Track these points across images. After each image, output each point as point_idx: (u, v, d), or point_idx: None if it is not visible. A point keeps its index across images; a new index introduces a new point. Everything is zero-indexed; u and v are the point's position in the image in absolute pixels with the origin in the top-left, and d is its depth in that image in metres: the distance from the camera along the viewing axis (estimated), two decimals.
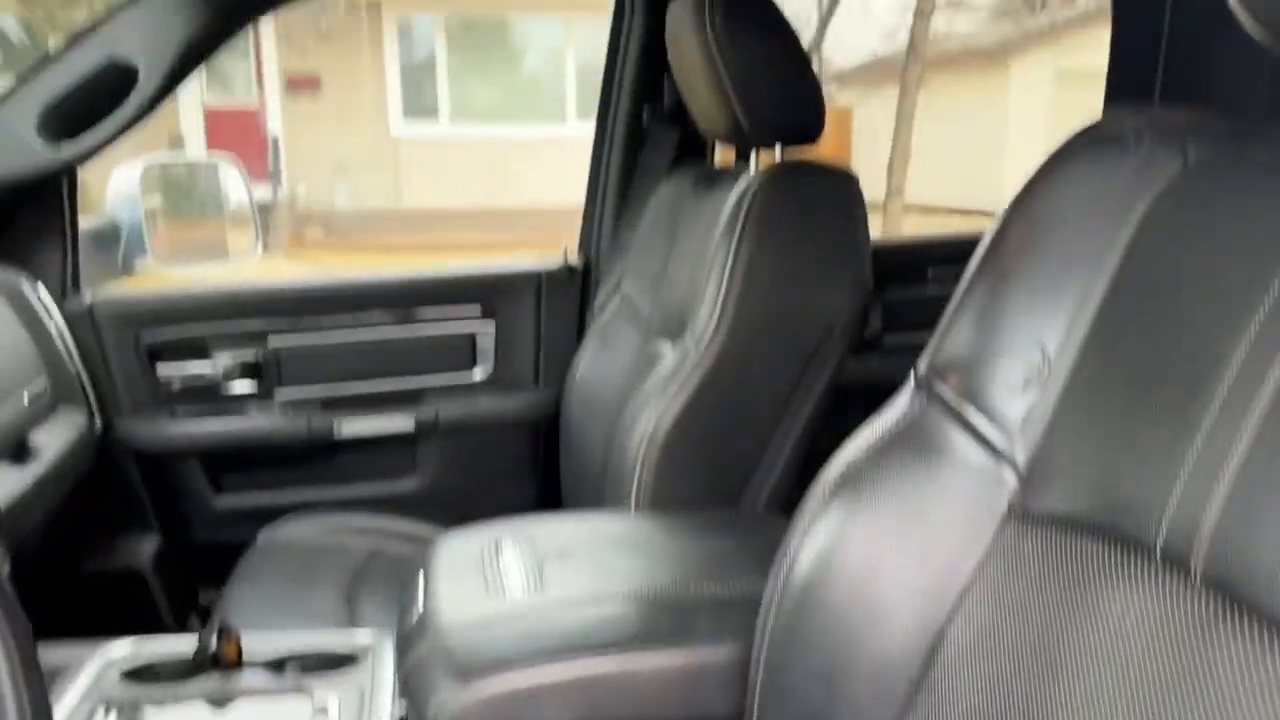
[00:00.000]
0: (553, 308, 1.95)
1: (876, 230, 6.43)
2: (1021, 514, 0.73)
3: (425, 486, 1.90)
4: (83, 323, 1.73)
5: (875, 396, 1.59)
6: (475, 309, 1.95)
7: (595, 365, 1.76)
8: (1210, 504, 0.58)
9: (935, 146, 10.41)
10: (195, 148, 11.70)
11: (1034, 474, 0.73)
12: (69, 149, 1.59)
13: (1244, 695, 0.53)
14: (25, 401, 1.48)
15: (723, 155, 1.83)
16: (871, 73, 12.85)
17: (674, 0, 1.52)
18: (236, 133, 11.96)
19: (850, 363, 1.42)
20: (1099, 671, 0.63)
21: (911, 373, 0.86)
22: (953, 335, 0.82)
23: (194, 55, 1.60)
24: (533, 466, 1.96)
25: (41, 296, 1.66)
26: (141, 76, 1.58)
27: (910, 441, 0.83)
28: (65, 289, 1.73)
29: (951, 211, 11.99)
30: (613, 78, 1.89)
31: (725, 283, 1.31)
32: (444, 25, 11.81)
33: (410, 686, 0.93)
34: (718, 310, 1.31)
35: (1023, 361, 0.76)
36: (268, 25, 11.62)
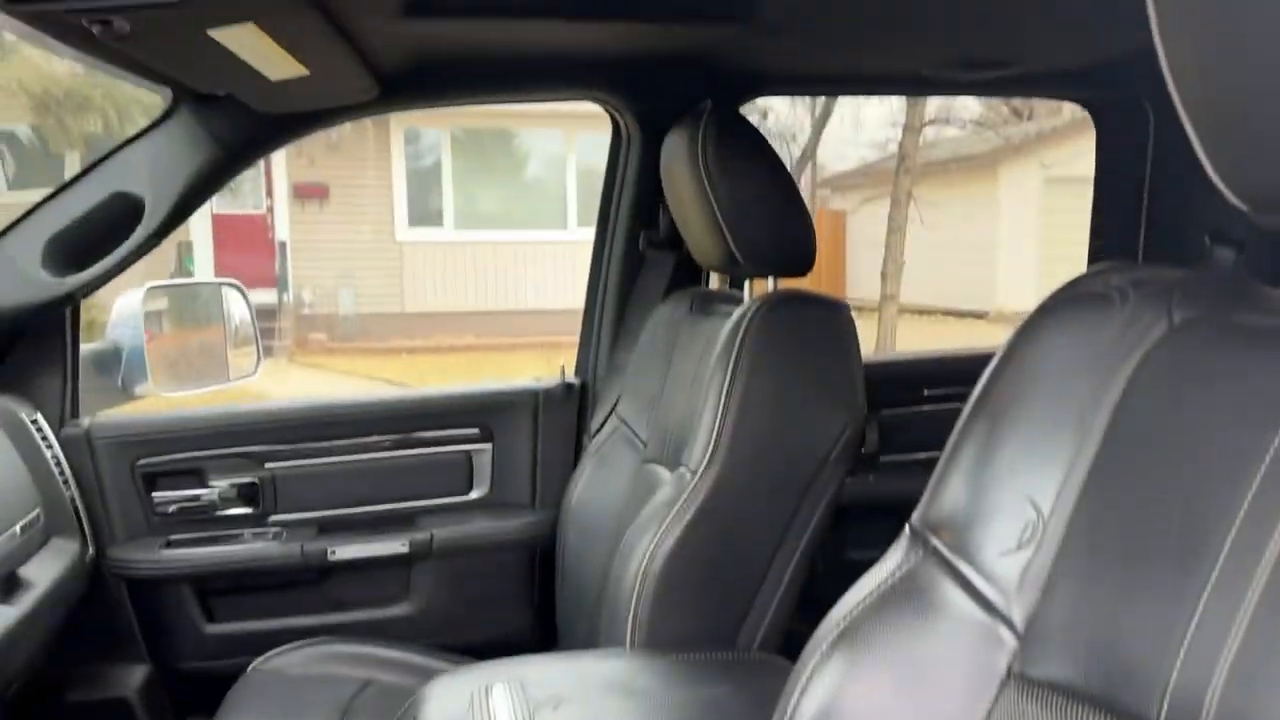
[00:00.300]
0: (550, 428, 1.95)
1: (872, 332, 6.50)
2: (1020, 678, 0.71)
3: (419, 611, 1.88)
4: (80, 449, 1.74)
5: (872, 515, 1.58)
6: (472, 431, 1.95)
7: (592, 488, 1.75)
8: (1215, 677, 0.57)
9: (928, 249, 10.58)
10: (203, 253, 11.89)
11: (1032, 636, 0.72)
12: (73, 280, 1.62)
13: None
14: (18, 534, 1.47)
15: (718, 278, 1.86)
16: (864, 178, 13.15)
17: (669, 133, 1.56)
18: (244, 238, 12.16)
19: (847, 481, 1.41)
20: None
21: (907, 525, 0.86)
22: (946, 490, 0.82)
23: (201, 189, 1.64)
24: (528, 591, 1.93)
25: (40, 424, 1.66)
26: (148, 209, 1.61)
27: (907, 596, 0.82)
28: (64, 416, 1.74)
29: (946, 313, 12.11)
30: (610, 202, 1.93)
31: (720, 413, 1.31)
32: (450, 135, 12.11)
33: None
34: (712, 441, 1.31)
35: (1016, 519, 0.75)
36: None
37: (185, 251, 11.63)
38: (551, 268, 11.53)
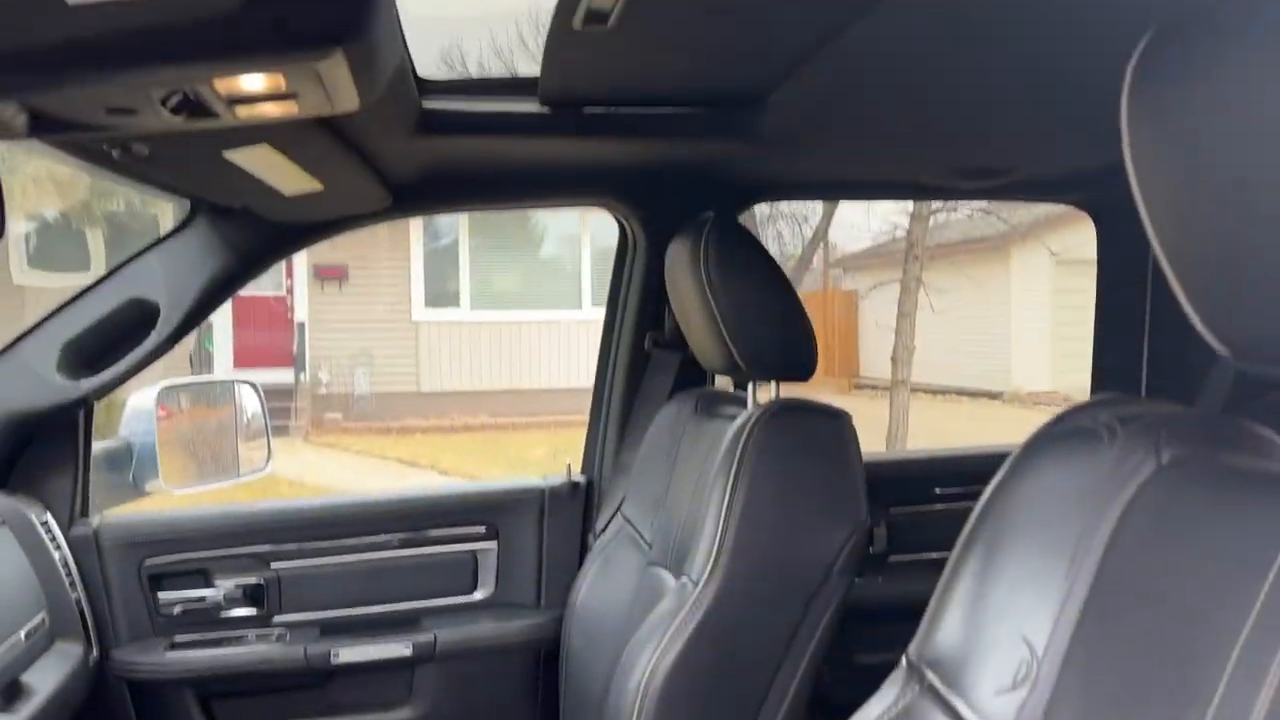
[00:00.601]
0: (555, 527, 1.95)
1: (883, 414, 6.49)
2: None
3: (421, 717, 1.85)
4: (88, 550, 1.74)
5: (882, 617, 1.56)
6: (478, 529, 1.95)
7: (596, 590, 1.74)
8: None
9: (942, 330, 10.60)
10: (222, 334, 12.01)
11: None
12: (87, 384, 1.64)
13: None
14: (22, 639, 1.47)
15: (723, 379, 1.87)
16: (875, 259, 13.24)
17: (673, 240, 1.59)
18: (264, 319, 12.30)
19: (856, 583, 1.41)
20: None
21: (904, 658, 0.86)
22: (941, 624, 0.82)
23: (215, 295, 1.68)
24: (533, 696, 1.91)
25: (50, 525, 1.67)
26: (163, 315, 1.65)
27: None
28: (73, 516, 1.75)
29: (960, 394, 12.07)
30: (616, 304, 1.96)
31: (721, 524, 1.32)
32: (467, 215, 12.31)
33: None
34: (714, 552, 1.31)
35: (1010, 657, 0.75)
36: None
37: (205, 332, 11.75)
38: (565, 347, 11.61)
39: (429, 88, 1.42)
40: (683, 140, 1.54)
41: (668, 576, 1.49)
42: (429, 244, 12.37)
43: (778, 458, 1.34)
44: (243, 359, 12.14)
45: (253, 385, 2.25)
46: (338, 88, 0.97)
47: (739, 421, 1.39)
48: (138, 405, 2.01)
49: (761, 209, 17.20)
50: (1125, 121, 0.65)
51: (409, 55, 1.27)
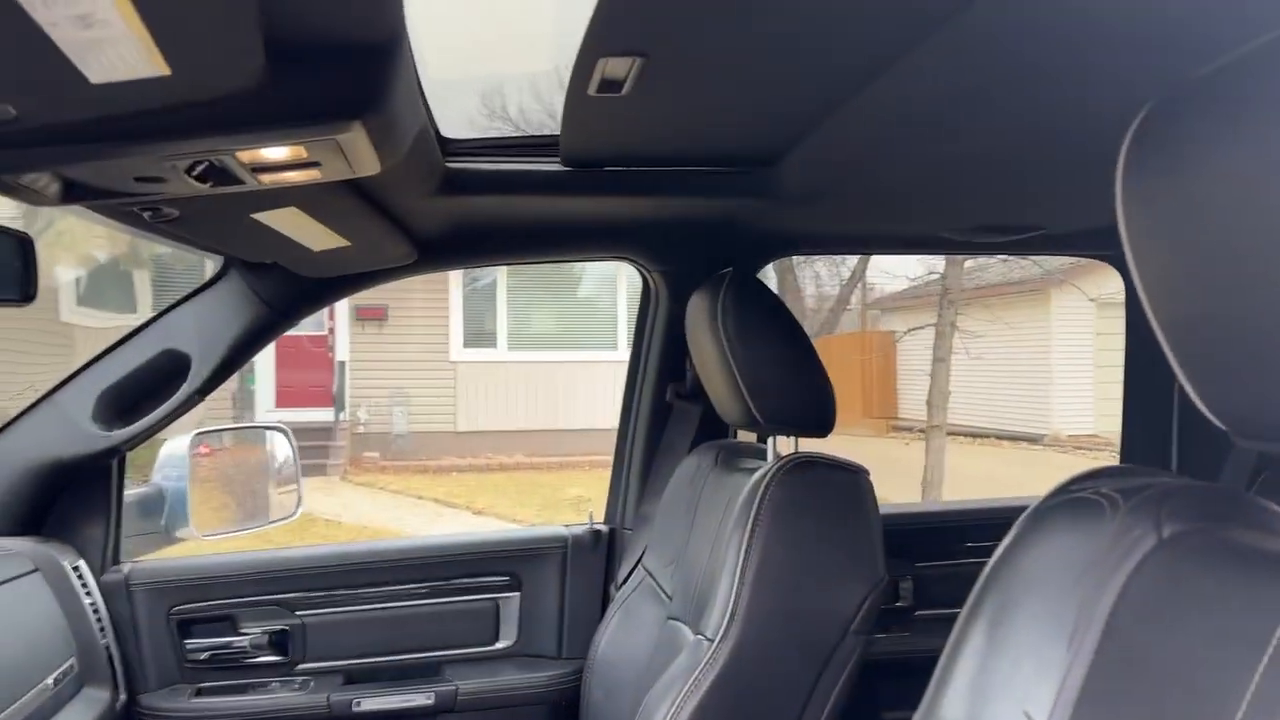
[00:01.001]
0: (577, 576, 1.95)
1: (920, 458, 6.42)
2: None
3: None
4: (119, 596, 1.78)
5: (907, 672, 1.54)
6: (502, 579, 1.96)
7: (617, 643, 1.74)
8: None
9: (981, 373, 10.49)
10: (264, 372, 12.19)
11: None
12: (120, 433, 1.69)
13: None
14: (51, 685, 1.50)
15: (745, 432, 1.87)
16: (913, 299, 13.19)
17: (693, 295, 1.61)
18: (306, 358, 12.47)
19: (881, 638, 1.39)
20: None
21: None
22: (945, 694, 0.82)
23: (246, 347, 1.72)
24: None
25: (81, 571, 1.71)
26: (194, 367, 1.69)
27: None
28: (105, 563, 1.79)
29: (1000, 437, 11.92)
30: (639, 356, 1.98)
31: (736, 581, 1.31)
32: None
33: None
34: (729, 610, 1.31)
35: None
36: None
37: (248, 372, 11.94)
38: (600, 387, 11.63)
39: (453, 147, 1.45)
40: (701, 198, 1.55)
41: (686, 631, 1.49)
42: (467, 285, 12.51)
43: (794, 514, 1.34)
44: (284, 398, 12.31)
45: (284, 431, 2.29)
46: (358, 156, 1.00)
47: (755, 476, 1.39)
48: (171, 452, 2.05)
49: None
50: (1120, 195, 0.66)
51: (431, 118, 1.31)
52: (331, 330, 12.53)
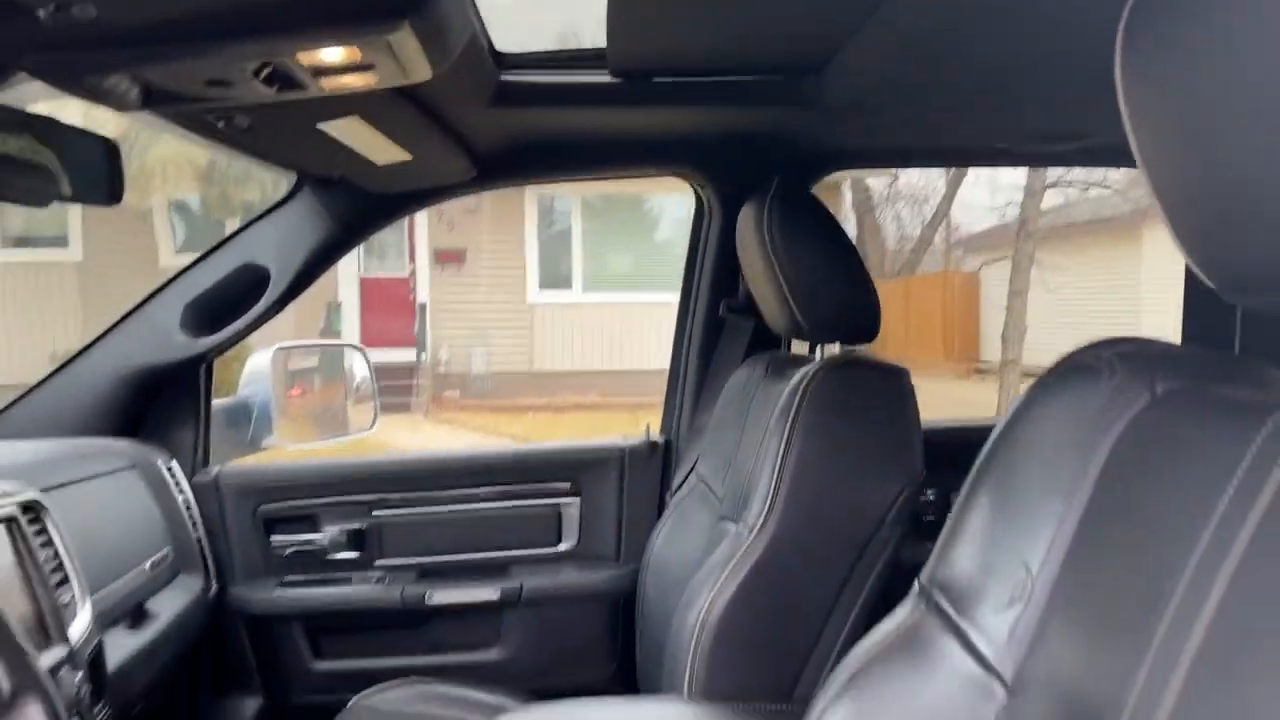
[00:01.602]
0: (635, 485, 2.03)
1: (993, 396, 6.34)
2: None
3: (508, 657, 1.97)
4: (208, 495, 1.91)
5: None
6: (563, 485, 2.05)
7: (670, 543, 1.82)
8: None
9: (1066, 311, 10.24)
10: (350, 313, 12.55)
11: (1018, 687, 0.76)
12: (206, 341, 1.81)
13: None
14: (148, 569, 1.64)
15: (798, 346, 1.91)
16: (999, 239, 12.89)
17: (743, 207, 1.65)
18: (388, 300, 12.79)
19: (915, 547, 1.44)
20: None
21: (916, 581, 0.91)
22: (952, 551, 0.87)
23: (319, 261, 1.82)
24: (610, 642, 2.00)
25: (174, 471, 1.84)
26: (273, 279, 1.80)
27: (911, 647, 0.87)
28: (195, 464, 1.92)
29: None
30: (693, 273, 2.03)
31: (776, 474, 1.37)
32: (581, 202, 12.51)
33: None
34: (768, 501, 1.37)
35: (1009, 579, 0.80)
36: None
37: (334, 311, 12.30)
38: (673, 328, 11.68)
39: (506, 61, 1.51)
40: (748, 108, 1.59)
41: (732, 526, 1.56)
42: (544, 230, 12.63)
43: (833, 411, 1.39)
44: (369, 338, 12.66)
45: (361, 350, 2.41)
46: (410, 59, 1.07)
47: (796, 377, 1.44)
48: (255, 366, 2.18)
49: (879, 190, 16.90)
50: (1119, 66, 0.69)
51: (484, 29, 1.37)
52: (413, 273, 12.80)
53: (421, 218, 12.70)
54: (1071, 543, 0.75)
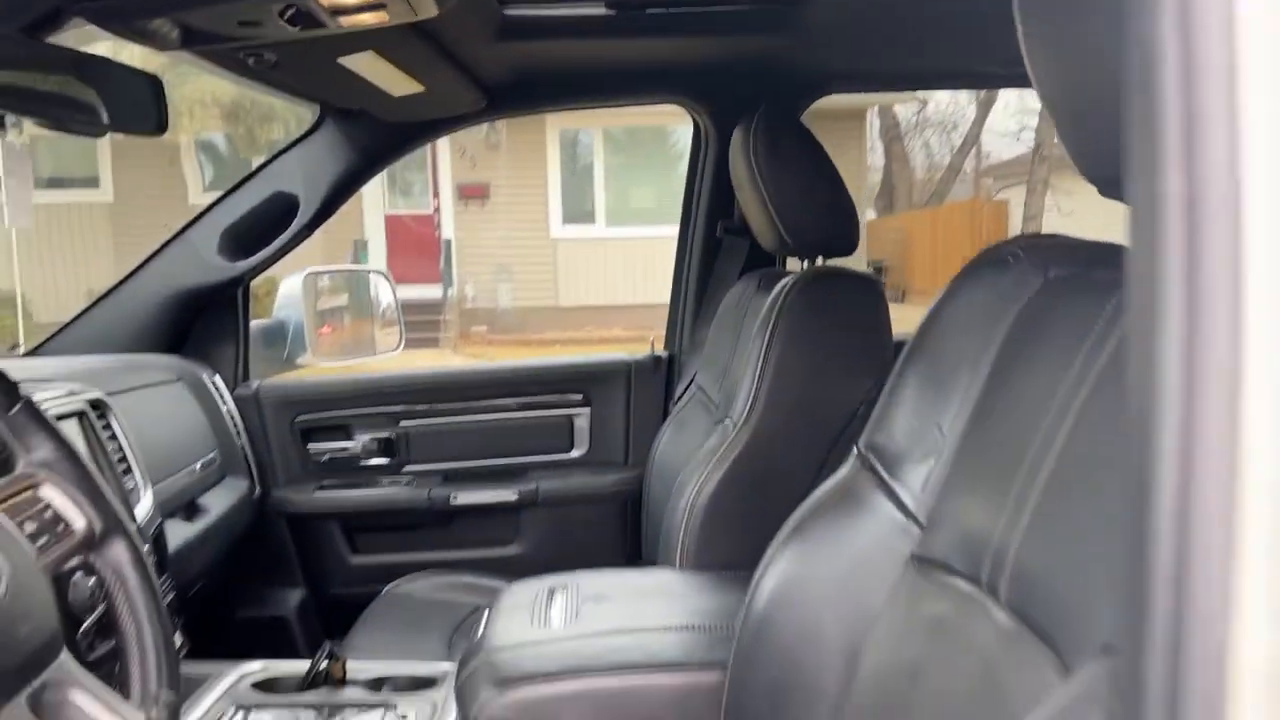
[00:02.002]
0: (640, 395, 2.19)
1: None
2: (918, 560, 0.90)
3: (526, 552, 2.15)
4: (249, 407, 2.09)
5: None
6: (575, 396, 2.21)
7: (671, 446, 1.98)
8: (1014, 542, 0.75)
9: (1078, 235, 10.17)
10: (376, 250, 12.72)
11: (929, 527, 0.91)
12: (242, 264, 1.97)
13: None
14: (198, 470, 1.82)
15: (793, 264, 2.04)
16: (1028, 166, 12.80)
17: (734, 132, 1.77)
18: (413, 236, 12.95)
19: None
20: (946, 683, 0.80)
21: (854, 447, 1.05)
22: (883, 420, 1.02)
23: (344, 188, 1.96)
24: (621, 537, 2.18)
25: (218, 384, 2.02)
26: (302, 205, 1.95)
27: (846, 501, 1.02)
28: (236, 379, 2.10)
29: None
30: (692, 195, 2.16)
31: (757, 375, 1.52)
32: (603, 136, 12.52)
33: (461, 694, 1.16)
34: (750, 398, 1.52)
35: (927, 440, 0.94)
36: (443, 139, 12.64)
37: (361, 249, 12.48)
38: None
39: None
40: (738, 36, 1.70)
41: (723, 424, 1.71)
42: (566, 164, 12.67)
43: (809, 316, 1.53)
44: (396, 275, 12.79)
45: (385, 275, 2.56)
46: None
47: (777, 288, 1.58)
48: (289, 290, 2.34)
49: (906, 117, 16.70)
50: None
51: None
52: (437, 209, 12.92)
53: (444, 154, 12.78)
54: (974, 406, 0.90)
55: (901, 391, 1.01)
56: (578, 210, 12.60)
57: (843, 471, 1.04)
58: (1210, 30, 0.35)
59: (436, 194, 13.03)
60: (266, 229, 1.96)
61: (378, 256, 12.73)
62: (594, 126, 12.35)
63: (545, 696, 1.11)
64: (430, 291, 12.48)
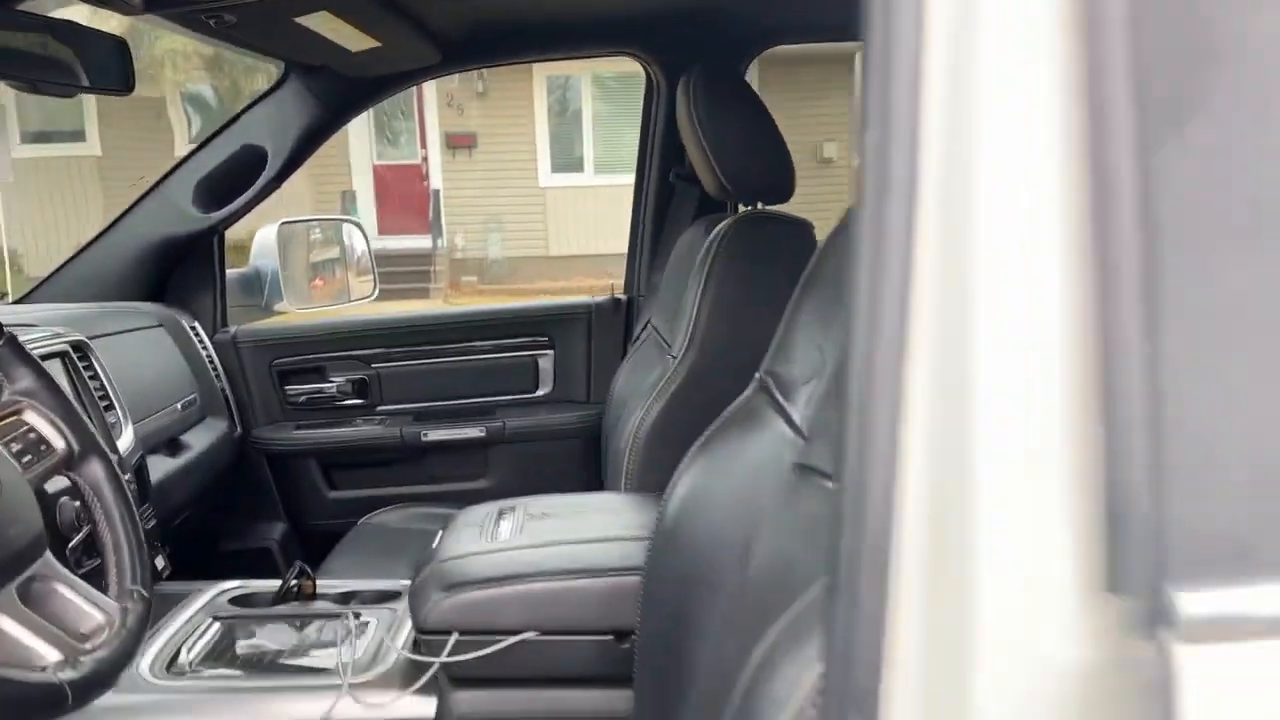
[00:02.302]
0: (600, 337, 2.30)
1: None
2: (799, 467, 1.03)
3: (493, 485, 2.28)
4: (228, 351, 2.20)
5: None
6: (539, 339, 2.33)
7: (627, 382, 2.10)
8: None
9: None
10: (365, 201, 12.74)
11: (809, 438, 1.03)
12: (216, 215, 2.07)
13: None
14: (179, 409, 1.94)
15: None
16: None
17: (678, 83, 1.87)
18: (401, 187, 12.96)
19: None
20: (814, 572, 0.93)
21: (756, 375, 1.17)
22: (781, 347, 1.13)
23: (310, 141, 2.05)
24: (583, 469, 2.31)
25: (197, 330, 2.13)
26: (270, 158, 2.04)
27: (746, 422, 1.14)
28: (215, 325, 2.21)
29: None
30: (645, 144, 2.25)
31: (696, 310, 1.63)
32: (591, 81, 12.49)
33: (413, 599, 1.29)
34: (688, 334, 1.63)
35: (811, 362, 1.06)
36: (430, 89, 12.60)
37: (349, 200, 12.50)
38: None
39: None
40: None
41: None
42: (555, 112, 12.64)
43: (742, 256, 1.64)
44: (385, 226, 12.87)
45: (358, 224, 2.66)
46: None
47: (716, 230, 1.69)
48: (263, 239, 2.44)
49: None
50: None
51: None
52: (425, 159, 12.92)
53: (431, 104, 12.74)
54: (847, 328, 1.01)
55: (796, 320, 1.13)
56: (567, 158, 12.61)
57: (745, 395, 1.16)
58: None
59: (424, 144, 13.02)
60: (237, 181, 2.06)
61: (366, 208, 12.76)
62: (582, 72, 12.31)
63: (485, 598, 1.24)
64: (420, 242, 12.53)
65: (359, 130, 12.69)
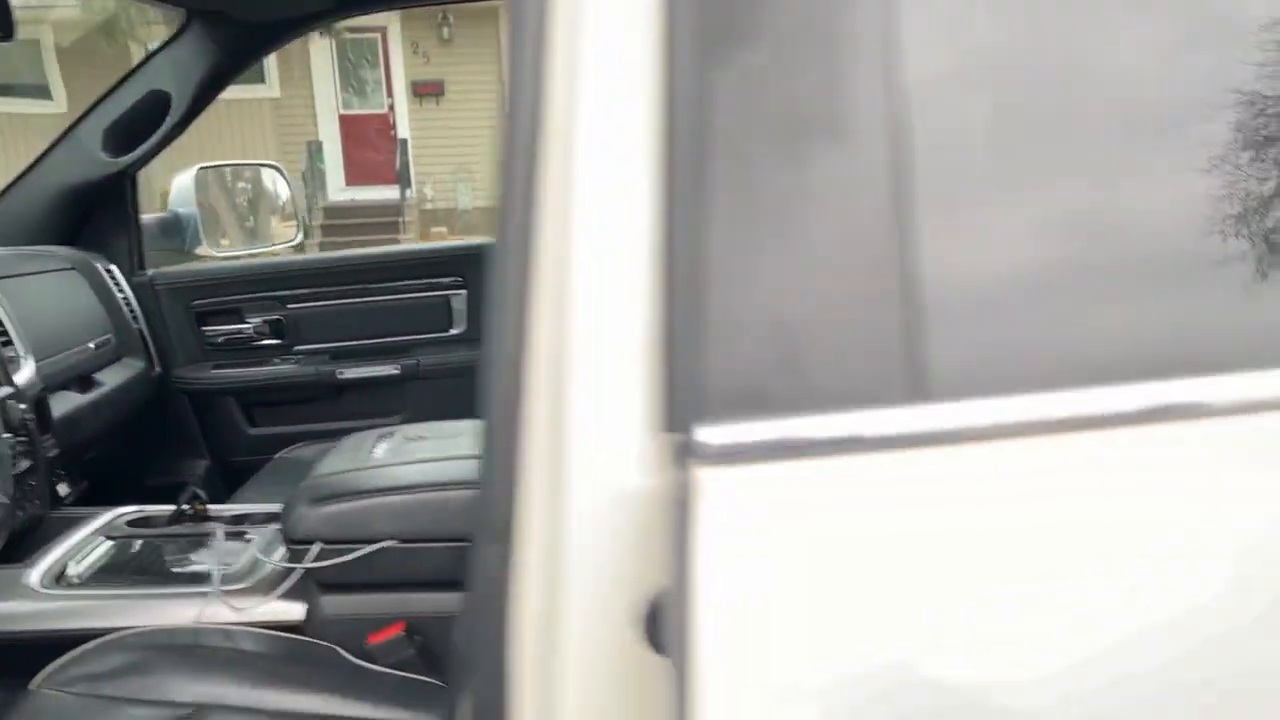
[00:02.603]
0: None
1: None
2: None
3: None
4: (146, 293, 2.27)
5: None
6: (453, 279, 2.40)
7: None
8: None
9: None
10: (332, 151, 12.67)
11: None
12: (125, 159, 2.12)
13: None
14: (92, 348, 2.00)
15: None
16: None
17: None
18: (369, 136, 12.88)
19: None
20: None
21: None
22: None
23: (211, 86, 2.10)
24: None
25: (114, 273, 2.19)
26: (174, 103, 2.09)
27: None
28: (132, 268, 2.27)
29: None
30: None
31: None
32: None
33: (284, 514, 1.38)
34: None
35: None
36: (394, 36, 12.49)
37: (316, 151, 12.42)
38: None
39: None
40: None
41: None
42: None
43: None
44: (353, 176, 12.82)
45: (279, 169, 2.71)
46: None
47: None
48: (181, 184, 2.49)
49: None
50: None
51: None
52: (391, 108, 12.84)
53: (396, 51, 12.64)
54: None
55: None
56: None
57: None
58: None
59: (390, 93, 12.93)
60: (144, 125, 2.11)
61: (334, 158, 12.69)
62: None
63: (352, 509, 1.33)
64: (388, 193, 12.49)
65: (324, 79, 12.58)
